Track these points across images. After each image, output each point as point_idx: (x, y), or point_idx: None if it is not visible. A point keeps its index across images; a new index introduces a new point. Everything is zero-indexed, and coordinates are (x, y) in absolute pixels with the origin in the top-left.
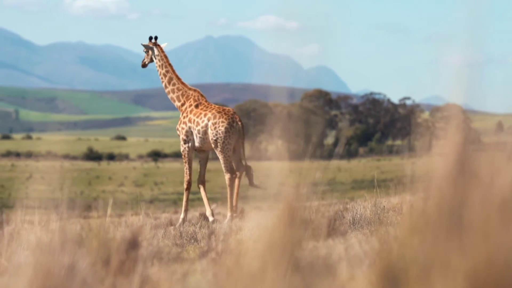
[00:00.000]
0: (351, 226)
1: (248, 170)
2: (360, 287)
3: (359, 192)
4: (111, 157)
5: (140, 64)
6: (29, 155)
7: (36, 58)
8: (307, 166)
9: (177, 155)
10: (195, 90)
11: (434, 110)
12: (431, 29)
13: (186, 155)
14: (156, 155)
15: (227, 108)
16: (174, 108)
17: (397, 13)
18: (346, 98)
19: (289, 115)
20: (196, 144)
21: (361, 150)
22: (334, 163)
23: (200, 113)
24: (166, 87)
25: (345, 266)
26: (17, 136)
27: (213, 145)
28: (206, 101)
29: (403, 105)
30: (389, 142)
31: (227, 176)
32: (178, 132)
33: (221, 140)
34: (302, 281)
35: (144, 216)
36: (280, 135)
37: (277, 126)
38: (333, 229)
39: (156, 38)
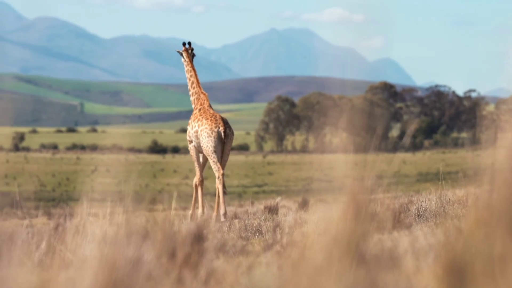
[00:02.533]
0: (416, 218)
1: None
2: (426, 280)
3: (424, 185)
4: (175, 150)
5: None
6: (94, 148)
7: (101, 51)
8: (372, 159)
9: (241, 148)
10: (204, 94)
11: (500, 102)
12: (498, 21)
13: (193, 155)
14: None
15: (217, 115)
16: (239, 101)
17: (463, 5)
18: (411, 90)
19: (354, 107)
20: (195, 146)
21: (426, 142)
22: (399, 155)
23: (197, 118)
24: (189, 90)
25: (410, 259)
26: (82, 129)
27: (201, 148)
28: (208, 106)
29: (468, 98)
30: (454, 134)
31: (216, 175)
32: (187, 133)
33: (204, 144)
34: (367, 274)
35: (209, 209)
36: (345, 128)
37: (341, 119)
38: (398, 221)
39: (189, 43)
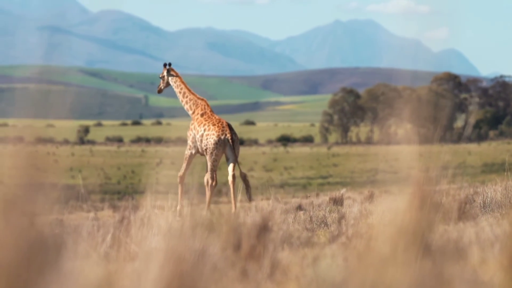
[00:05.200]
0: (482, 209)
1: (244, 177)
2: (492, 271)
3: (490, 176)
4: (240, 142)
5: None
6: (159, 140)
7: (165, 44)
8: (436, 150)
9: (305, 140)
10: (202, 100)
11: None
12: None
13: (187, 158)
14: (285, 140)
15: (223, 121)
16: (303, 93)
17: None
18: (475, 81)
19: (418, 98)
20: (198, 149)
21: (491, 133)
22: (464, 146)
23: (201, 122)
24: (182, 101)
25: (476, 250)
26: (147, 122)
27: (204, 152)
28: (210, 111)
29: None
30: None
31: (209, 182)
32: (187, 137)
33: (209, 149)
34: (433, 265)
35: (274, 200)
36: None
37: (406, 110)
38: (464, 212)
39: (170, 64)
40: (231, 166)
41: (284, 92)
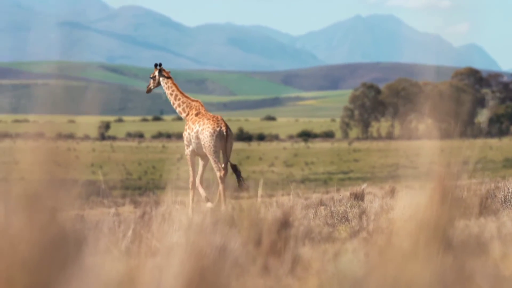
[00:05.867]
0: (503, 204)
1: (235, 167)
2: None
3: (511, 170)
4: (261, 137)
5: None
6: (179, 136)
7: (186, 39)
8: (457, 145)
9: (327, 135)
10: (196, 101)
11: None
12: None
13: (189, 159)
14: (306, 135)
15: (217, 116)
16: (324, 88)
17: None
18: (496, 76)
19: (439, 93)
20: (194, 148)
21: None
22: (485, 141)
23: (196, 120)
24: (173, 103)
25: (497, 245)
26: (168, 117)
27: (203, 149)
28: (205, 110)
29: None
30: None
31: (218, 174)
32: (183, 139)
33: (206, 143)
34: (454, 260)
35: (295, 196)
36: (430, 114)
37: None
38: (485, 207)
39: (160, 64)
40: (224, 161)
41: (304, 87)
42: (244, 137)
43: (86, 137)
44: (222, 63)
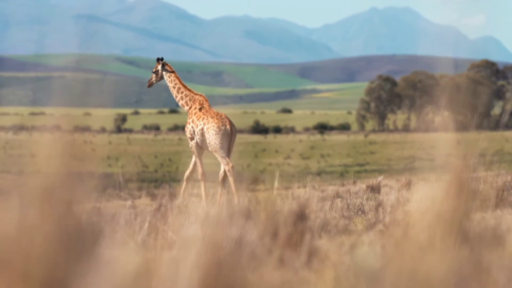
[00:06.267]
0: None
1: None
2: None
3: None
4: (277, 130)
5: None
6: None
7: (202, 32)
8: (474, 137)
9: (343, 128)
10: (200, 95)
11: None
12: None
13: (194, 151)
14: (322, 128)
15: (221, 113)
16: (340, 80)
17: None
18: None
19: (456, 86)
20: (198, 142)
21: None
22: (502, 133)
23: (200, 116)
24: (176, 96)
25: None
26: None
27: (208, 145)
28: (208, 105)
29: None
30: None
31: (226, 168)
32: (185, 131)
33: (212, 141)
34: (471, 252)
35: (311, 188)
36: (447, 106)
37: (443, 97)
38: (501, 200)
39: (162, 59)
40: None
41: (320, 80)
42: (260, 129)
43: (103, 130)
44: (238, 55)
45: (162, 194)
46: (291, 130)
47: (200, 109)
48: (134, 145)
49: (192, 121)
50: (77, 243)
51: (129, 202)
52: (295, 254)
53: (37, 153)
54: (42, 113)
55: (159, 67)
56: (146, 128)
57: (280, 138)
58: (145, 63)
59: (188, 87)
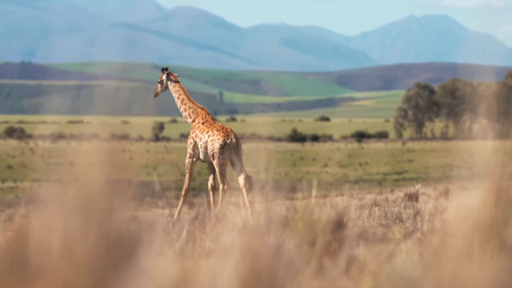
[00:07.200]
0: None
1: (249, 180)
2: None
3: None
4: (315, 138)
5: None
6: None
7: (239, 40)
8: None
9: (381, 136)
10: (202, 108)
11: None
12: None
13: (188, 167)
14: (360, 136)
15: (226, 127)
16: (378, 88)
17: None
18: None
19: (493, 94)
20: (201, 157)
21: None
22: None
23: (204, 130)
24: (180, 107)
25: None
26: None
27: (211, 159)
28: (211, 119)
29: None
30: None
31: (221, 187)
32: (187, 145)
33: (216, 154)
34: (509, 261)
35: (349, 196)
36: (485, 114)
37: (481, 105)
38: None
39: (167, 69)
40: (239, 170)
41: (358, 88)
42: (298, 137)
43: (140, 138)
44: (276, 63)
45: (200, 203)
46: (329, 138)
47: (203, 123)
48: (172, 153)
49: (196, 136)
50: (117, 252)
51: (167, 211)
52: (333, 263)
53: (76, 162)
54: (81, 122)
55: (164, 77)
56: (184, 136)
57: (318, 146)
58: (182, 71)
59: (192, 98)
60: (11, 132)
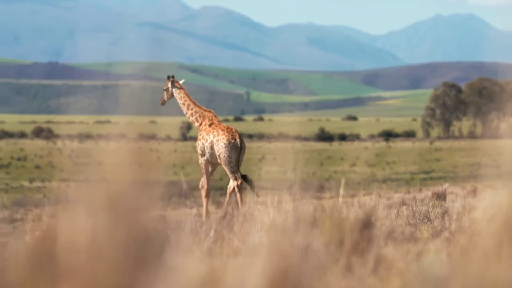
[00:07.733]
0: None
1: (246, 178)
2: None
3: None
4: (342, 137)
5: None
6: (261, 136)
7: (266, 39)
8: None
9: (408, 135)
10: (209, 111)
11: None
12: None
13: (203, 167)
14: (387, 135)
15: (231, 127)
16: (405, 87)
17: None
18: None
19: None
20: (208, 158)
21: None
22: None
23: (210, 131)
24: (186, 113)
25: None
26: (249, 117)
27: (218, 159)
28: (218, 121)
29: None
30: None
31: (234, 184)
32: (196, 148)
33: (222, 154)
34: None
35: (377, 196)
36: None
37: (508, 104)
38: None
39: (173, 76)
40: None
41: (385, 87)
42: (326, 137)
43: (168, 138)
44: (302, 63)
45: (228, 202)
46: (356, 137)
47: (210, 125)
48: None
49: (202, 137)
50: (144, 251)
51: (194, 210)
52: (361, 262)
53: (103, 161)
54: (108, 121)
55: (169, 85)
56: None
57: (346, 145)
58: (209, 70)
59: (197, 103)
60: (39, 132)
